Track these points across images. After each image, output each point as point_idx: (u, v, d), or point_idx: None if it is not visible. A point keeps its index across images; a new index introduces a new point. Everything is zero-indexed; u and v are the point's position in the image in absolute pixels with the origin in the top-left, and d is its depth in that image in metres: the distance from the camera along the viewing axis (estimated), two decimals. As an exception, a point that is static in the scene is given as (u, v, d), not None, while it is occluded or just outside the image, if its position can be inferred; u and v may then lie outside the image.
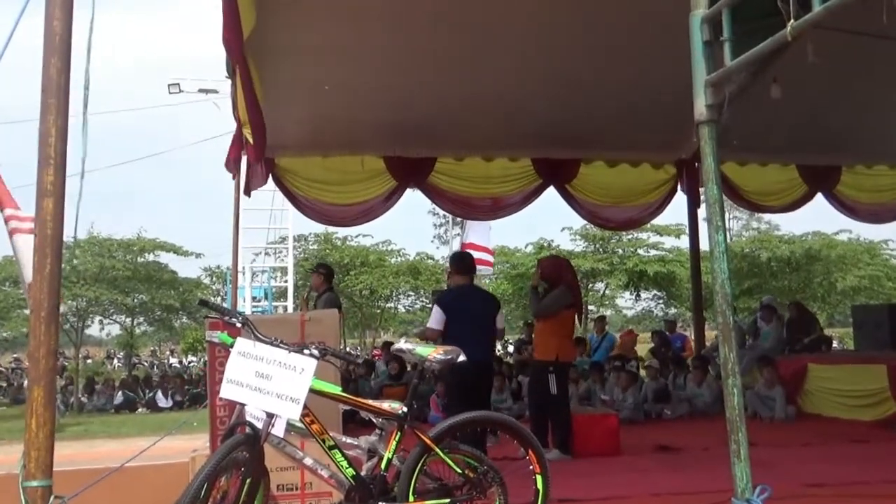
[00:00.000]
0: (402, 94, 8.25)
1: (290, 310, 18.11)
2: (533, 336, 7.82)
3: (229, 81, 7.53)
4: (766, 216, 32.22)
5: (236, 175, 8.92)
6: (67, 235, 3.00)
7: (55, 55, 2.84)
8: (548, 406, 6.62)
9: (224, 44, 5.47)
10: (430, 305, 21.67)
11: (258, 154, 7.94)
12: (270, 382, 3.20)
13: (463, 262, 6.53)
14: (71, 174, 2.95)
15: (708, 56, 2.43)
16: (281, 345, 3.30)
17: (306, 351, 3.27)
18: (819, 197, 10.94)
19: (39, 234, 2.75)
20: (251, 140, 7.45)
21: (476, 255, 15.93)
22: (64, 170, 2.81)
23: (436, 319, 6.01)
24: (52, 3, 2.87)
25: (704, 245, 12.69)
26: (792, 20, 2.05)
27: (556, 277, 6.80)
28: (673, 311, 28.33)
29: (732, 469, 2.31)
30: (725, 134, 2.57)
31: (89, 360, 32.62)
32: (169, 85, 18.84)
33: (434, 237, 32.97)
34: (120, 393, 19.48)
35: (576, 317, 6.99)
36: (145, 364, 33.34)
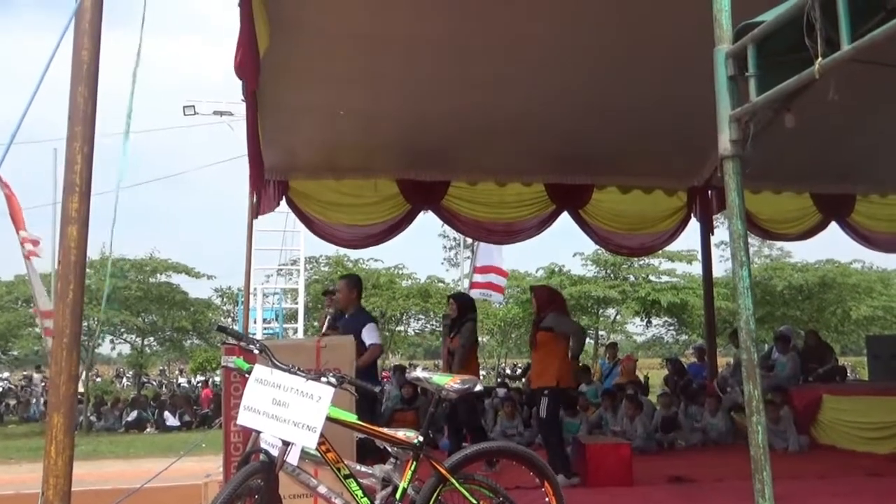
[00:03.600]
0: (416, 118, 8.29)
1: (300, 332, 18.13)
2: (531, 363, 7.86)
3: (244, 104, 7.59)
4: (778, 243, 32.13)
5: (251, 197, 8.97)
6: (91, 256, 3.01)
7: (82, 83, 2.87)
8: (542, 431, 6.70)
9: (237, 71, 5.52)
10: (439, 329, 21.68)
11: (258, 182, 8.12)
12: (287, 410, 3.19)
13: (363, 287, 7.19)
14: (97, 193, 2.98)
15: (732, 91, 2.42)
16: (298, 372, 3.30)
17: (323, 379, 3.26)
18: (832, 225, 10.89)
19: (63, 260, 2.76)
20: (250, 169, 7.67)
21: (491, 277, 15.96)
22: (89, 197, 2.83)
23: (378, 335, 6.44)
24: (80, 33, 2.91)
25: (717, 272, 12.70)
26: (820, 58, 2.05)
27: (547, 304, 6.90)
28: (684, 337, 28.19)
29: (757, 508, 2.27)
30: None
31: (98, 379, 32.67)
32: (184, 107, 18.99)
33: (444, 260, 32.99)
34: (134, 412, 19.56)
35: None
36: (153, 383, 33.38)
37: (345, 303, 6.84)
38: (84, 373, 21.77)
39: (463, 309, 7.67)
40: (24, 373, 35.54)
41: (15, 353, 24.73)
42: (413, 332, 31.20)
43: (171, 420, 19.60)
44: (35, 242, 9.36)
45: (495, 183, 9.71)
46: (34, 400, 24.44)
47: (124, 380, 36.79)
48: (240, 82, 6.36)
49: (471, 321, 7.54)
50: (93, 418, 20.34)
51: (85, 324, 20.51)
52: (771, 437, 8.34)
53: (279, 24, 6.08)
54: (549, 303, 6.92)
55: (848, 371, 16.83)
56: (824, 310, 25.35)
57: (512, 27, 6.76)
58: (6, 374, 34.63)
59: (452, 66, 7.35)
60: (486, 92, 7.85)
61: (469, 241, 19.38)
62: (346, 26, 6.66)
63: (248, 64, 5.43)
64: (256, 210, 9.02)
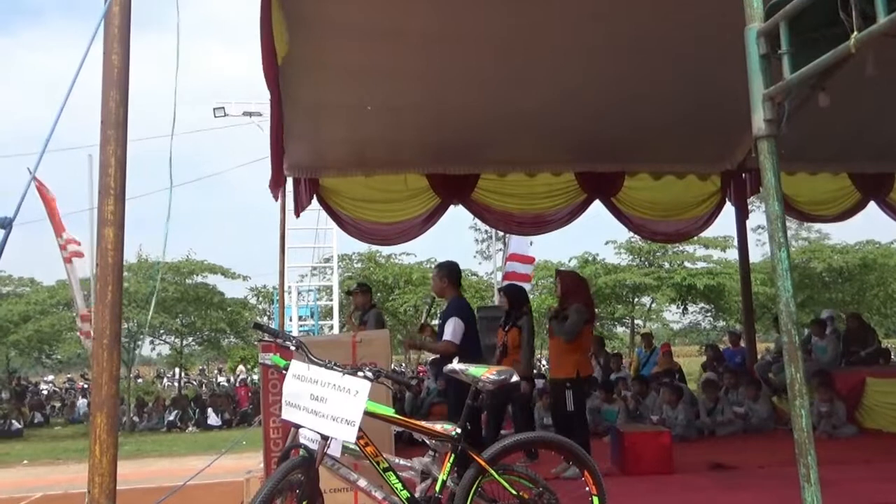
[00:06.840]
0: (443, 112, 8.28)
1: (336, 329, 18.28)
2: (549, 354, 7.73)
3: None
4: (816, 225, 31.52)
5: (279, 197, 9.02)
6: (127, 258, 3.06)
7: (114, 88, 2.92)
8: (568, 422, 6.59)
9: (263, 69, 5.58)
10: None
11: (276, 179, 8.18)
12: (325, 405, 3.21)
13: (460, 274, 6.57)
14: (132, 197, 3.02)
15: (765, 69, 2.37)
16: (335, 367, 3.31)
17: (360, 373, 3.27)
18: (871, 206, 10.66)
19: (101, 262, 2.81)
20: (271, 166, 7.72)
21: (517, 266, 15.97)
22: (123, 199, 2.87)
23: (458, 333, 5.93)
24: (110, 38, 2.96)
25: (754, 257, 12.51)
26: (856, 32, 1.99)
27: (572, 292, 6.75)
28: (722, 324, 27.83)
29: (802, 493, 2.23)
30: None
31: (140, 380, 33.28)
32: (214, 109, 19.21)
33: (476, 253, 32.94)
34: (175, 412, 19.92)
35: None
36: (194, 383, 33.91)
37: (438, 292, 6.51)
38: (129, 374, 22.18)
39: (515, 301, 7.47)
40: (68, 375, 36.35)
41: (59, 356, 25.25)
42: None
43: (212, 418, 19.92)
44: (77, 242, 9.54)
45: (525, 174, 9.65)
46: (78, 401, 25.00)
47: (165, 380, 37.47)
48: (265, 84, 6.42)
49: (527, 314, 7.36)
50: (135, 418, 20.73)
51: (125, 326, 20.92)
52: (816, 420, 8.21)
53: (303, 22, 6.11)
54: (573, 292, 6.75)
55: (892, 353, 16.47)
56: (866, 292, 24.84)
57: (537, 16, 6.71)
58: (50, 378, 35.45)
59: (478, 58, 7.32)
60: (512, 82, 7.81)
61: (501, 233, 19.37)
62: (369, 22, 6.66)
63: (268, 65, 5.48)
64: (296, 210, 9.12)
